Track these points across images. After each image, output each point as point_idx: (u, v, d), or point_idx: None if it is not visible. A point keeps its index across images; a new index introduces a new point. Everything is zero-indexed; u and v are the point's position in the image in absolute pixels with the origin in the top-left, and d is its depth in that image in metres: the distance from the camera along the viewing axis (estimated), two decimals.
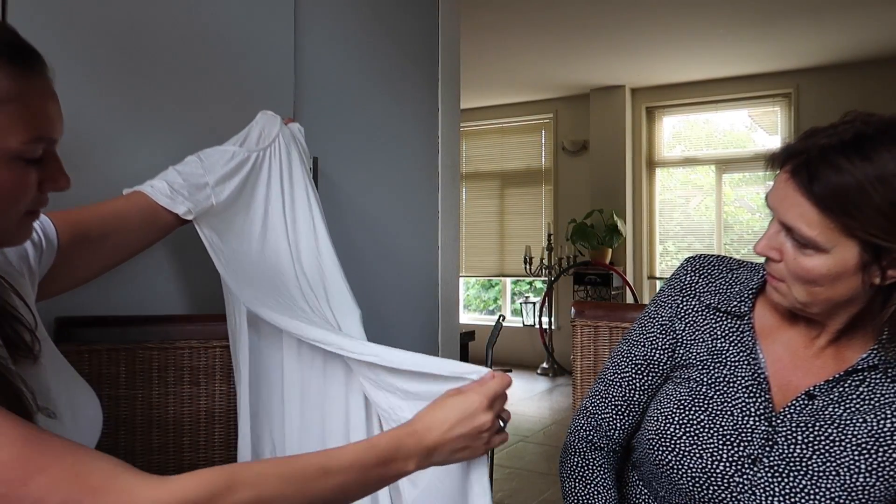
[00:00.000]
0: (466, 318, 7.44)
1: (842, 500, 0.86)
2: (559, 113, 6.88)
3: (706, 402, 0.96)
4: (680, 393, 1.00)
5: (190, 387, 1.24)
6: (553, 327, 6.59)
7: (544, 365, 6.47)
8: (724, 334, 1.00)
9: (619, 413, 1.06)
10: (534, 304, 6.87)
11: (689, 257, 1.08)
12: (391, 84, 1.97)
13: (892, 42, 5.00)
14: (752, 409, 0.94)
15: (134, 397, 1.20)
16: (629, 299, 6.02)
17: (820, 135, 0.84)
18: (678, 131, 6.53)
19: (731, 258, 1.07)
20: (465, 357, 2.45)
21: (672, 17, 4.56)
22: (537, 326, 6.61)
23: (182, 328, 1.24)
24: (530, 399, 5.46)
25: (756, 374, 0.95)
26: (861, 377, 0.91)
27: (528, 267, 6.44)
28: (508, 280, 7.37)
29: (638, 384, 1.05)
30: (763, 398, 0.94)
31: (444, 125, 2.17)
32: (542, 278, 6.64)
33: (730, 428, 0.93)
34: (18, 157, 0.70)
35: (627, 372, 1.06)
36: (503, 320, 2.78)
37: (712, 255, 1.08)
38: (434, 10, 2.15)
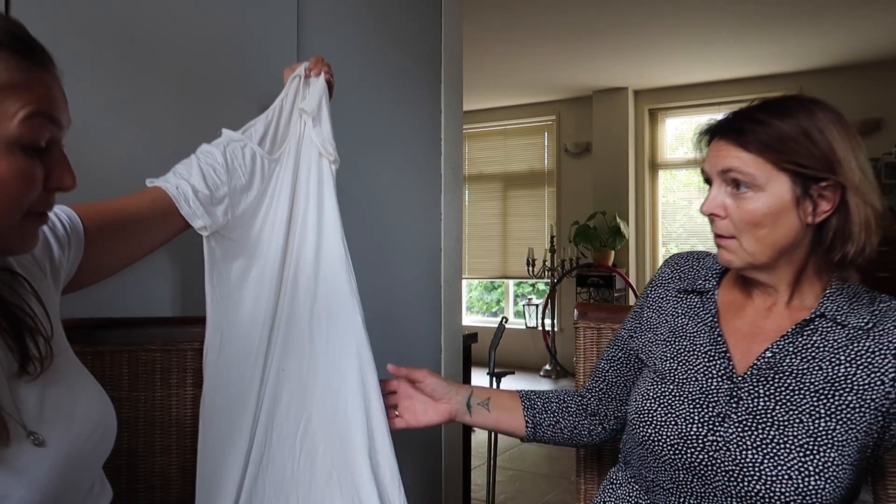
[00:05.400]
0: (469, 320, 7.44)
1: (809, 446, 0.90)
2: (562, 115, 6.88)
3: (673, 374, 1.04)
4: (651, 373, 1.08)
5: (193, 389, 1.23)
6: (556, 329, 6.58)
7: (547, 367, 6.46)
8: (685, 312, 1.10)
9: (594, 376, 1.24)
10: (536, 306, 6.86)
11: (668, 256, 1.21)
12: (394, 86, 1.97)
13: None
14: (714, 371, 1.00)
15: (136, 399, 1.20)
16: (632, 301, 6.01)
17: (735, 110, 1.00)
18: (681, 133, 6.53)
19: (703, 251, 1.18)
20: (467, 358, 2.45)
21: (675, 19, 4.56)
22: (540, 328, 6.61)
23: (185, 330, 1.24)
24: None
25: (714, 341, 1.03)
26: (813, 327, 0.97)
27: (530, 269, 6.43)
28: (511, 282, 7.37)
29: (605, 356, 1.22)
30: (723, 359, 1.01)
31: (446, 127, 2.17)
32: (545, 280, 6.64)
33: (697, 392, 1.00)
34: (18, 143, 0.67)
35: (606, 350, 1.24)
36: (506, 322, 2.78)
37: (687, 251, 1.20)
38: (437, 11, 2.15)
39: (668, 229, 6.53)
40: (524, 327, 6.89)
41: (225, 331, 1.15)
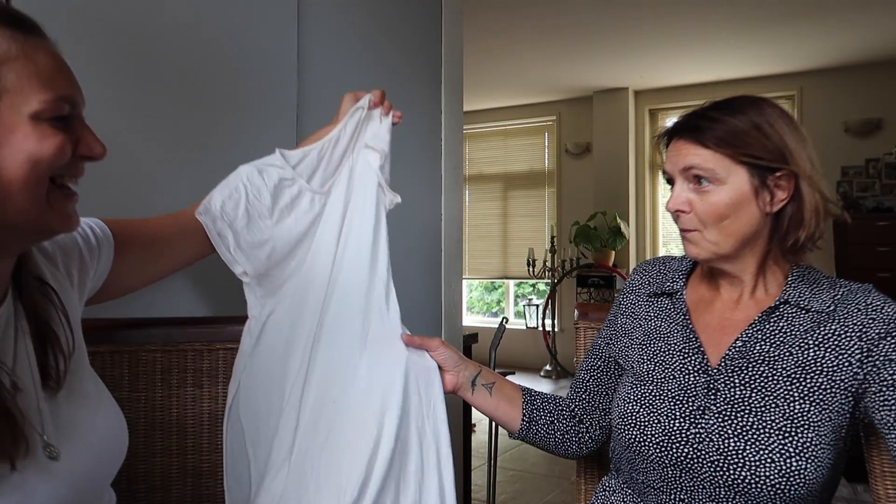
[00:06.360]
0: (469, 320, 7.44)
1: (787, 429, 0.94)
2: (562, 115, 6.88)
3: (651, 375, 1.07)
4: (631, 377, 1.11)
5: (193, 389, 1.24)
6: (556, 329, 6.59)
7: (547, 367, 6.46)
8: (657, 314, 1.13)
9: (574, 387, 1.27)
10: (537, 306, 6.87)
11: (636, 265, 1.25)
12: (394, 87, 1.97)
13: None
14: (691, 367, 1.04)
15: (137, 399, 1.20)
16: None
17: (689, 112, 1.06)
18: None
19: (668, 256, 1.22)
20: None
21: (675, 19, 4.56)
22: (540, 329, 6.61)
23: (185, 330, 1.25)
24: None
25: (687, 338, 1.06)
26: (779, 314, 1.01)
27: (531, 269, 6.43)
28: (511, 282, 7.37)
29: (583, 366, 1.25)
30: (697, 354, 1.04)
31: (447, 127, 2.17)
32: (546, 280, 6.64)
33: (676, 389, 1.03)
34: (41, 116, 0.66)
35: (584, 361, 1.27)
36: (506, 322, 2.78)
37: (653, 258, 1.24)
38: (437, 12, 2.15)
39: (668, 229, 6.53)
40: (524, 328, 6.89)
41: (261, 335, 1.11)
